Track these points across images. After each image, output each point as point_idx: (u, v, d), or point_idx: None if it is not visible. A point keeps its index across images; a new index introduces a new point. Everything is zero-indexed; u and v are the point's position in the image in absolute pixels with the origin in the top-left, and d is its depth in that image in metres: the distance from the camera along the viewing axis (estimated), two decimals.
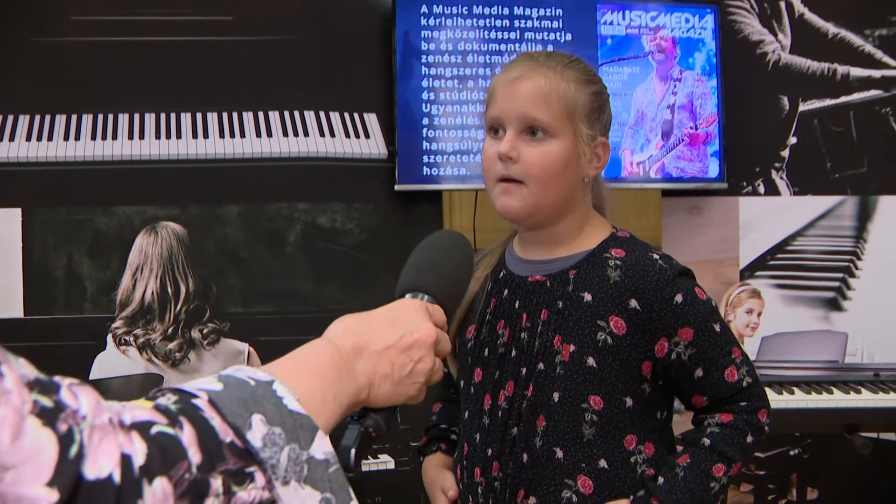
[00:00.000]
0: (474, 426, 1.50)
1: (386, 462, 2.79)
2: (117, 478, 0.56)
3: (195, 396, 0.67)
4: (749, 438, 1.42)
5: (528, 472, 1.42)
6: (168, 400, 0.67)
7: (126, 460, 0.58)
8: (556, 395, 1.41)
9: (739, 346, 1.45)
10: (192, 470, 0.62)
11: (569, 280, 1.44)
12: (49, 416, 0.55)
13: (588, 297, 1.42)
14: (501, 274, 1.53)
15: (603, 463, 1.40)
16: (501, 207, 1.45)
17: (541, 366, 1.42)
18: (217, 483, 0.64)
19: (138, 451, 0.59)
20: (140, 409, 0.63)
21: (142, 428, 0.61)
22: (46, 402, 0.56)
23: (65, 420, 0.56)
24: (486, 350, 1.50)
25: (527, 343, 1.45)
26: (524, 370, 1.44)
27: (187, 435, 0.63)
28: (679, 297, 1.39)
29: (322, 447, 0.71)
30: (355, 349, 0.85)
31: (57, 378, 0.59)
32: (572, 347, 1.40)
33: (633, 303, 1.39)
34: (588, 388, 1.40)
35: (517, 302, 1.48)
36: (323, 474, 0.70)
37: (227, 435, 0.66)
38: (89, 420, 0.57)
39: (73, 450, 0.55)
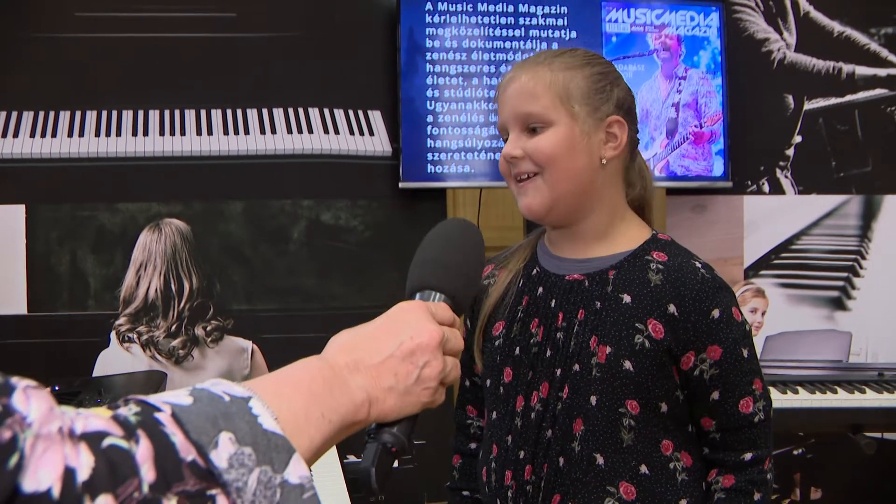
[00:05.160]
0: (504, 427, 1.46)
1: None
2: (56, 492, 0.54)
3: (158, 410, 0.64)
4: (756, 496, 1.39)
5: (564, 476, 1.39)
6: (129, 410, 0.63)
7: (69, 474, 0.55)
8: (592, 399, 1.38)
9: (762, 378, 1.41)
10: (143, 489, 0.58)
11: (608, 280, 1.42)
12: None
13: (627, 298, 1.39)
14: (535, 271, 1.50)
15: (644, 469, 1.38)
16: (523, 208, 1.44)
17: (576, 367, 1.39)
18: None
19: (83, 465, 0.56)
20: (96, 418, 0.60)
21: (92, 440, 0.58)
22: None
23: (10, 427, 0.53)
24: (518, 349, 1.47)
25: (562, 343, 1.42)
26: (559, 371, 1.41)
27: (143, 450, 0.60)
28: (716, 313, 1.36)
29: (298, 471, 0.67)
30: (350, 365, 0.80)
31: (14, 379, 0.56)
32: (608, 349, 1.37)
33: (672, 308, 1.37)
34: (625, 393, 1.37)
35: (553, 301, 1.45)
36: (297, 500, 0.66)
37: (188, 453, 0.62)
38: (35, 428, 0.54)
39: (14, 459, 0.52)
